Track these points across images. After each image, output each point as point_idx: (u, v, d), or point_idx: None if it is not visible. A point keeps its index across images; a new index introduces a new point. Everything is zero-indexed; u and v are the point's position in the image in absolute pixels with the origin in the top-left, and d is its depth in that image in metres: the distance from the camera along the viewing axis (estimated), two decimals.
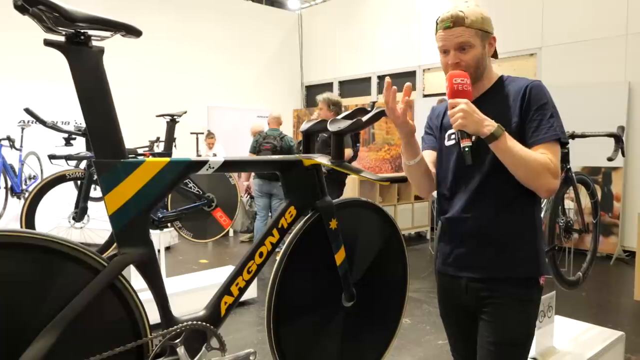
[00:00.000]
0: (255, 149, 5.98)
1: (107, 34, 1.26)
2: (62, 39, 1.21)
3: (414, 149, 1.66)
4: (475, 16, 1.55)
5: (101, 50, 1.25)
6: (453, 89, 1.50)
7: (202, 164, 1.47)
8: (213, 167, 1.49)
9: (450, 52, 1.57)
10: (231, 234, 7.60)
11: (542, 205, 2.51)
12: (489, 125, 1.46)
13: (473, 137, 1.49)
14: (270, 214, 6.14)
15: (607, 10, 6.37)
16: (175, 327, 1.37)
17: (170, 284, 4.02)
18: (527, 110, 1.55)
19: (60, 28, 1.18)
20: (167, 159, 1.38)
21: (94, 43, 1.24)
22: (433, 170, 1.76)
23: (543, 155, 1.49)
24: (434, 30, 1.63)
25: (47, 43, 1.19)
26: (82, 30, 1.20)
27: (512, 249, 1.60)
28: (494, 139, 1.45)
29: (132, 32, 1.28)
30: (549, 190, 1.53)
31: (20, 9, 1.13)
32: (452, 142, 1.68)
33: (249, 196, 7.21)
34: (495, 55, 1.67)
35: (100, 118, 1.26)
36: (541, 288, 1.66)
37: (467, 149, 1.47)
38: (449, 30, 1.55)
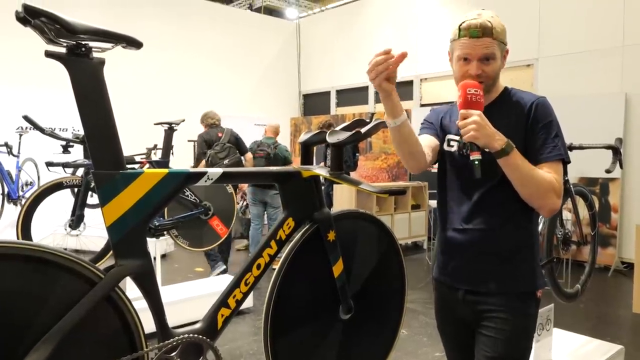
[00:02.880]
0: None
1: (108, 45, 1.26)
2: (63, 50, 1.21)
3: (395, 107, 1.51)
4: (500, 28, 1.54)
5: (102, 62, 1.25)
6: (466, 100, 1.47)
7: (200, 175, 1.47)
8: (212, 179, 1.49)
9: (472, 61, 1.53)
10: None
11: (540, 218, 2.50)
12: (500, 140, 1.44)
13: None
14: (264, 222, 6.13)
15: (604, 22, 6.42)
16: (172, 339, 1.36)
17: (166, 293, 4.00)
18: (533, 127, 1.54)
19: (61, 40, 1.18)
20: (166, 171, 1.37)
21: (95, 54, 1.24)
22: (427, 151, 1.66)
23: (549, 174, 1.49)
24: (452, 34, 1.58)
25: (48, 54, 1.19)
26: (83, 42, 1.20)
27: (511, 263, 1.60)
28: (504, 155, 1.44)
29: (133, 43, 1.28)
30: (551, 210, 1.53)
31: (22, 21, 1.13)
32: (453, 148, 1.67)
33: (244, 203, 7.18)
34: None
35: (99, 129, 1.26)
36: (539, 301, 1.66)
37: (476, 162, 1.45)
38: (477, 40, 1.51)
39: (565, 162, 1.55)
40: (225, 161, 5.45)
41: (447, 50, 1.67)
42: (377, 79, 1.48)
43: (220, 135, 5.56)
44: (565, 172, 3.05)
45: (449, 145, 1.70)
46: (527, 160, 1.50)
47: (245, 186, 6.87)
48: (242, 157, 5.74)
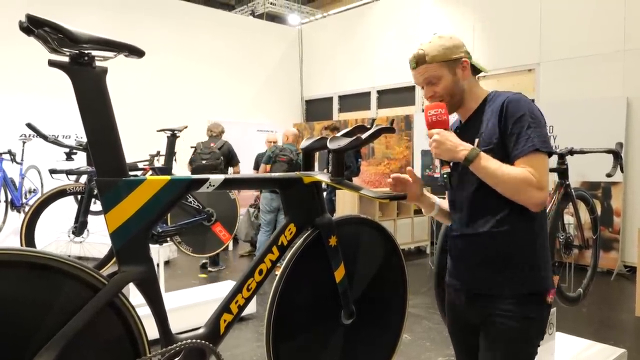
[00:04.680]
0: (270, 159, 6.02)
1: (111, 54, 1.27)
2: (66, 59, 1.22)
3: (428, 204, 1.82)
4: (436, 50, 1.62)
5: (104, 71, 1.26)
6: (428, 121, 1.61)
7: (202, 181, 1.48)
8: (213, 185, 1.50)
9: (424, 87, 1.68)
10: (230, 247, 7.58)
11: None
12: (463, 149, 1.53)
13: (451, 163, 1.62)
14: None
15: (605, 26, 6.43)
16: (175, 345, 1.37)
17: (169, 299, 4.01)
18: (505, 126, 1.55)
19: (64, 49, 1.19)
20: (168, 178, 1.39)
21: (97, 63, 1.26)
22: None
23: (523, 169, 1.49)
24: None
25: (52, 64, 1.21)
26: (85, 51, 1.22)
27: (512, 265, 1.60)
28: (469, 162, 1.52)
29: (135, 52, 1.30)
30: (536, 205, 1.52)
31: (26, 30, 1.15)
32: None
33: (255, 208, 7.19)
34: (478, 71, 1.70)
35: (102, 137, 1.27)
36: (547, 305, 1.64)
37: (444, 175, 1.60)
38: (415, 70, 1.67)
39: (543, 152, 1.52)
40: (204, 162, 6.06)
41: None
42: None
43: (212, 145, 6.19)
44: (566, 176, 3.08)
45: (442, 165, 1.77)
46: (509, 161, 1.53)
47: (259, 192, 6.91)
48: (231, 168, 6.31)
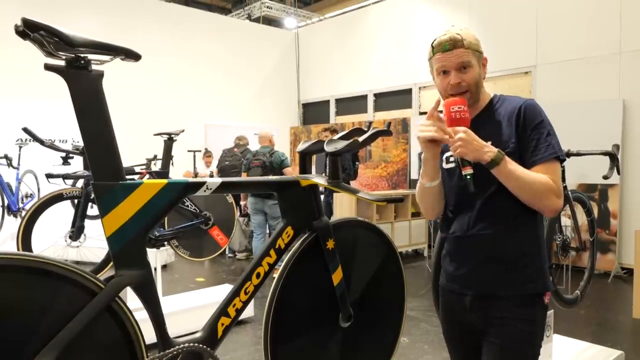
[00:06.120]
0: (246, 167, 6.05)
1: (107, 58, 1.27)
2: (62, 63, 1.22)
3: (435, 171, 1.65)
4: (471, 38, 1.58)
5: (101, 75, 1.26)
6: (451, 117, 1.51)
7: (199, 185, 1.48)
8: (211, 189, 1.50)
9: (450, 72, 1.59)
10: (227, 251, 7.57)
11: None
12: (489, 151, 1.47)
13: (472, 164, 1.50)
14: (267, 232, 6.15)
15: (601, 29, 6.46)
16: (172, 349, 1.37)
17: (167, 303, 3.99)
18: (524, 131, 1.56)
19: (60, 53, 1.19)
20: (165, 181, 1.38)
21: (94, 67, 1.25)
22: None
23: (543, 175, 1.51)
24: (428, 54, 1.65)
25: (48, 68, 1.20)
26: (82, 55, 1.22)
27: (517, 266, 1.60)
28: (495, 165, 1.47)
29: (131, 56, 1.30)
30: (553, 211, 1.55)
31: (22, 34, 1.15)
32: (452, 165, 1.69)
33: (246, 217, 7.20)
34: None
35: (99, 141, 1.27)
36: (546, 306, 1.65)
37: (468, 177, 1.48)
38: (450, 52, 1.57)
39: (561, 159, 1.56)
40: (227, 162, 7.23)
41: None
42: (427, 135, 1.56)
43: (235, 150, 7.34)
44: (563, 178, 3.09)
45: (447, 162, 1.72)
46: (523, 165, 1.52)
47: (245, 201, 6.94)
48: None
